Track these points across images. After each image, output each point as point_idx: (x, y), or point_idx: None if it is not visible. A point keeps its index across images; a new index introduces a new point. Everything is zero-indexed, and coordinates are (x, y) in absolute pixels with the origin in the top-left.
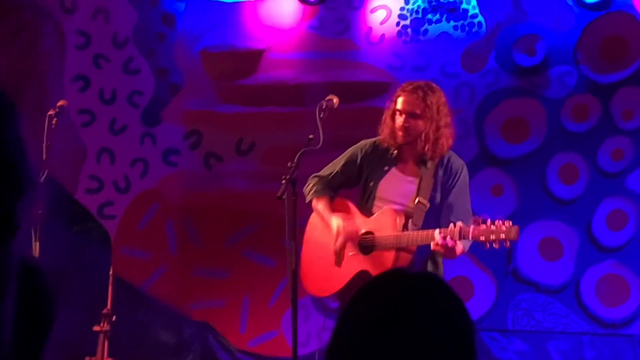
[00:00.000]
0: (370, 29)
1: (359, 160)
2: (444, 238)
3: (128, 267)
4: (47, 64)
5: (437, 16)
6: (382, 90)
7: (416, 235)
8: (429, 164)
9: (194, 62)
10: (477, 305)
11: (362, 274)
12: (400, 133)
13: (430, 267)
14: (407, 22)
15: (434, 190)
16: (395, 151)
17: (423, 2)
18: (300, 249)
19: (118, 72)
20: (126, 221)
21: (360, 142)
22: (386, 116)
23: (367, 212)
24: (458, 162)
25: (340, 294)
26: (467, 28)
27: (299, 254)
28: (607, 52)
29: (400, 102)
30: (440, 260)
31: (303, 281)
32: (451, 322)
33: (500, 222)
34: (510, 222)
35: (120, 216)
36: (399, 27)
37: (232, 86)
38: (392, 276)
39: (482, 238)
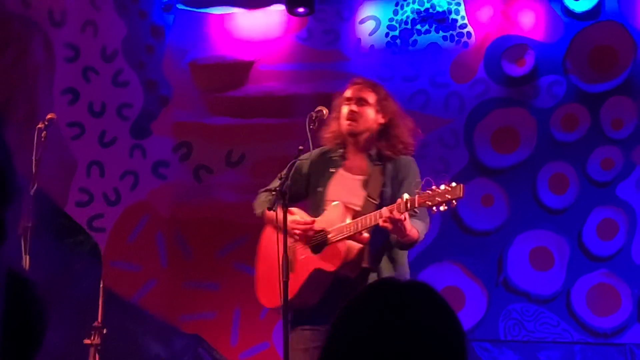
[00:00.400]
0: (360, 39)
1: (306, 169)
2: (391, 211)
3: (118, 279)
4: (36, 77)
5: (426, 27)
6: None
7: (364, 219)
8: (377, 161)
9: (183, 74)
10: (469, 316)
11: (316, 273)
12: (347, 121)
13: (385, 264)
14: (397, 32)
15: (384, 185)
16: (341, 150)
17: (412, 12)
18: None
19: (107, 84)
20: (116, 234)
21: (305, 154)
22: (329, 119)
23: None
24: (406, 158)
25: (296, 298)
26: (456, 38)
27: (288, 265)
28: (596, 61)
29: (349, 92)
30: (400, 257)
31: (259, 297)
32: (442, 332)
33: (443, 184)
34: (454, 183)
35: (110, 229)
36: (388, 38)
37: (222, 98)
38: (381, 286)
39: (429, 203)
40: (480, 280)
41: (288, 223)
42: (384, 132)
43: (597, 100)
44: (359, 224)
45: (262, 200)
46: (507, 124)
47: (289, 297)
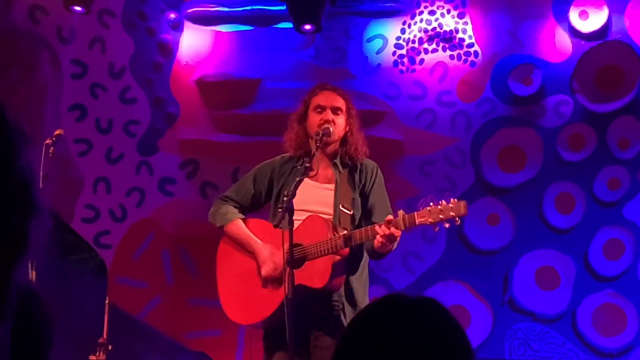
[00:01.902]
0: (367, 58)
1: (269, 175)
2: (388, 228)
3: (124, 296)
4: (44, 94)
5: (434, 45)
6: (378, 119)
7: (357, 233)
8: (342, 169)
9: (191, 92)
10: (474, 335)
11: (298, 289)
12: (323, 127)
13: (358, 276)
14: (404, 51)
15: (353, 193)
16: (305, 158)
17: (419, 31)
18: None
19: (114, 101)
20: (122, 250)
21: (265, 161)
22: (292, 122)
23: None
24: (371, 164)
25: (276, 314)
26: (463, 57)
27: (293, 281)
28: (603, 81)
29: (320, 99)
30: (353, 285)
31: (228, 313)
32: (450, 348)
33: (445, 201)
34: (456, 199)
35: (116, 245)
36: (395, 57)
37: (229, 115)
38: (388, 302)
39: (430, 220)
40: (486, 300)
41: (264, 255)
42: (345, 139)
43: (603, 120)
44: (352, 239)
45: (224, 212)
46: (513, 143)
47: (269, 313)
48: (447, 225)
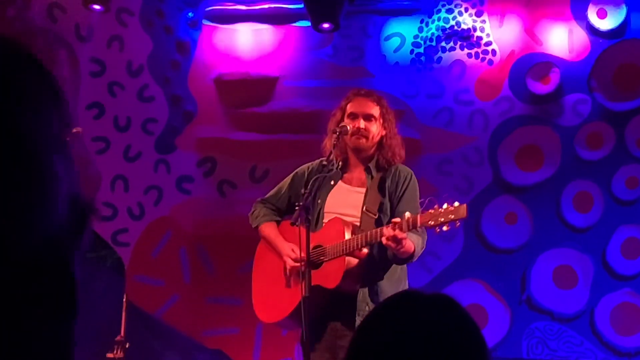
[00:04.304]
0: (384, 56)
1: (305, 178)
2: (393, 229)
3: (142, 294)
4: (62, 91)
5: (451, 44)
6: (396, 118)
7: (364, 235)
8: (376, 173)
9: (208, 90)
10: (492, 334)
11: (314, 289)
12: (355, 137)
13: (385, 279)
14: (421, 49)
15: (383, 198)
16: (340, 163)
17: (437, 30)
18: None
19: (132, 99)
20: (140, 248)
21: (303, 165)
22: (330, 128)
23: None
24: (406, 170)
25: (294, 314)
26: (481, 56)
27: (309, 280)
28: (622, 80)
29: (353, 105)
30: (400, 272)
31: (256, 311)
32: (465, 346)
33: (447, 204)
34: (457, 202)
35: (134, 243)
36: (412, 55)
37: (246, 113)
38: (404, 298)
39: (432, 223)
40: (504, 298)
41: (286, 250)
42: (381, 143)
43: (622, 119)
44: (359, 241)
45: (259, 214)
46: (531, 142)
47: (288, 312)
48: (446, 228)
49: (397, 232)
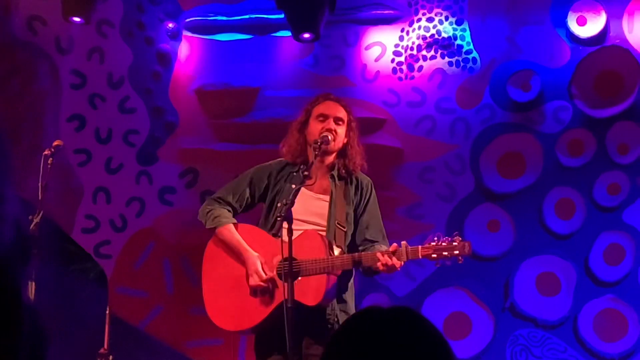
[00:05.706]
0: (365, 65)
1: (266, 180)
2: (390, 258)
3: (125, 306)
4: (43, 104)
5: (432, 52)
6: (378, 127)
7: (352, 257)
8: (338, 181)
9: (190, 101)
10: (475, 341)
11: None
12: (322, 136)
13: (348, 293)
14: (402, 58)
15: (347, 208)
16: (303, 167)
17: (418, 38)
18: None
19: (114, 111)
20: (123, 260)
21: (262, 164)
22: (293, 129)
23: (277, 235)
24: (366, 179)
25: (262, 324)
26: (461, 64)
27: (292, 292)
28: (602, 86)
29: (323, 108)
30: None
31: (211, 316)
32: (430, 353)
33: (450, 239)
34: (460, 238)
35: (116, 255)
36: (393, 64)
37: (228, 124)
38: (367, 314)
39: (434, 256)
40: (487, 306)
41: (253, 266)
42: (344, 151)
43: (603, 126)
44: (345, 262)
45: (218, 214)
46: (513, 150)
47: (256, 322)
48: (448, 263)
49: (395, 261)
